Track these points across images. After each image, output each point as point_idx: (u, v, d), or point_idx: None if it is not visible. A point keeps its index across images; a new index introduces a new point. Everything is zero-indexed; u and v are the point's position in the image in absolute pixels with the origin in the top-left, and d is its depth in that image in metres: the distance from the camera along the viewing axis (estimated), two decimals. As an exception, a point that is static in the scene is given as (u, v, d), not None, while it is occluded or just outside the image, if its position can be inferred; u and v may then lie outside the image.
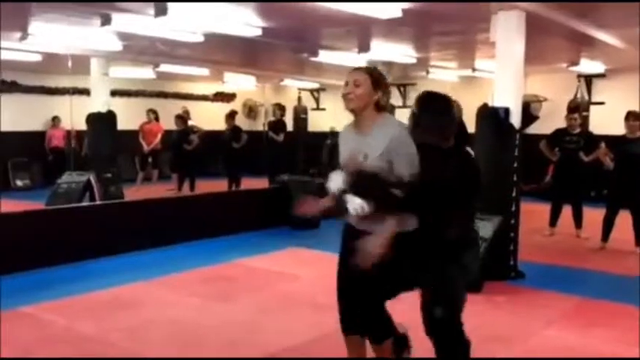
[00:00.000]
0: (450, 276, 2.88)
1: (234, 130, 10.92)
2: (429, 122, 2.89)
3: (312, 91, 15.62)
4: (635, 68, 10.31)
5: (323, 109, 15.74)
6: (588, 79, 11.33)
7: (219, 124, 11.54)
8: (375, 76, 2.79)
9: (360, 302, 2.90)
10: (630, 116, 6.87)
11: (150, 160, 11.33)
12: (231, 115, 11.18)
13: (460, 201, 2.88)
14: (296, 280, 5.56)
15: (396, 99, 13.90)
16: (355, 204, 2.67)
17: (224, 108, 13.44)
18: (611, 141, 7.19)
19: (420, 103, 3.00)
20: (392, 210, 2.63)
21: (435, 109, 2.95)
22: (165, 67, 11.02)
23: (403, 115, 13.67)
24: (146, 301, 4.86)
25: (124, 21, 6.38)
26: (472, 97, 8.07)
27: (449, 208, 2.81)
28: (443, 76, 12.03)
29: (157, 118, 11.46)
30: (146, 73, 11.97)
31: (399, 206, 2.64)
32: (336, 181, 2.82)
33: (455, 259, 2.89)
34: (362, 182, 2.67)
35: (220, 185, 10.52)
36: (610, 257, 6.65)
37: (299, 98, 15.21)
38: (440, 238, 2.84)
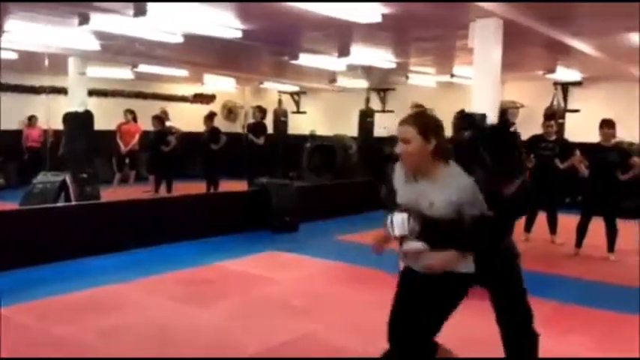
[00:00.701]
0: (510, 271, 3.22)
1: (212, 132, 10.87)
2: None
3: (292, 94, 15.64)
4: (611, 77, 10.51)
5: (303, 113, 15.77)
6: (565, 87, 11.51)
7: (199, 126, 11.48)
8: (421, 125, 2.57)
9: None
10: (605, 124, 6.99)
11: (127, 161, 11.20)
12: (209, 117, 11.13)
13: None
14: (273, 284, 5.55)
15: (375, 104, 13.98)
16: (411, 246, 2.68)
17: (203, 110, 13.38)
18: (586, 148, 7.31)
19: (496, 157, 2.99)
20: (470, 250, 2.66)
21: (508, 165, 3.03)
22: (143, 68, 10.94)
23: (383, 120, 13.77)
24: (123, 303, 4.81)
25: (103, 20, 6.32)
26: (450, 103, 8.14)
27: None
28: (422, 81, 12.12)
29: (134, 119, 11.35)
30: (124, 73, 11.85)
31: (480, 244, 2.67)
32: (398, 224, 2.67)
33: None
34: (439, 231, 2.62)
35: (198, 187, 10.45)
36: (584, 263, 6.76)
37: (279, 101, 15.20)
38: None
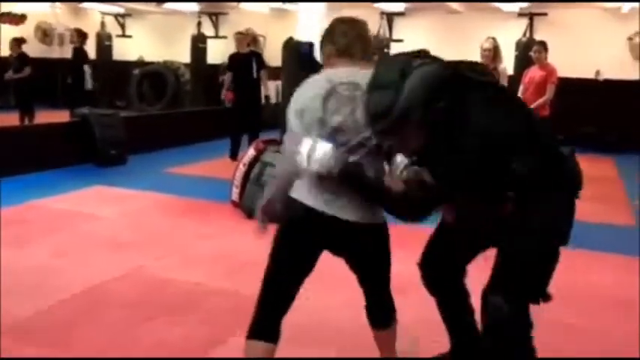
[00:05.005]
0: None
1: (19, 59, 9.80)
2: None
3: (116, 16, 14.51)
4: (431, 7, 11.14)
5: (129, 37, 14.76)
6: (390, 17, 12.00)
7: (7, 50, 10.29)
8: None
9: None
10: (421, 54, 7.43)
11: None
12: (17, 42, 9.98)
13: None
14: (99, 220, 5.28)
15: (207, 29, 13.50)
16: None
17: (12, 31, 11.96)
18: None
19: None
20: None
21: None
22: None
23: (216, 47, 13.39)
24: None
25: None
26: (283, 31, 8.11)
27: None
28: (254, 7, 11.90)
29: None
30: None
31: None
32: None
33: None
34: None
35: (10, 119, 9.45)
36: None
37: (102, 23, 14.06)
38: None
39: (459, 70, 2.09)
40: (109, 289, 3.76)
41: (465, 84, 2.05)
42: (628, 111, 10.22)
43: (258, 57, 8.45)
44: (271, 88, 9.95)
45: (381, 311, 2.49)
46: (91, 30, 13.69)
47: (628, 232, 5.46)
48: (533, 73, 7.08)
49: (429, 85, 1.94)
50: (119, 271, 4.03)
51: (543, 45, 7.12)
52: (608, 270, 4.40)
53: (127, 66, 13.64)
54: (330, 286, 3.55)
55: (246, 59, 8.25)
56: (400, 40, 11.86)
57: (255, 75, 8.18)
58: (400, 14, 11.84)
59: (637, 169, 8.28)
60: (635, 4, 10.21)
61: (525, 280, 2.15)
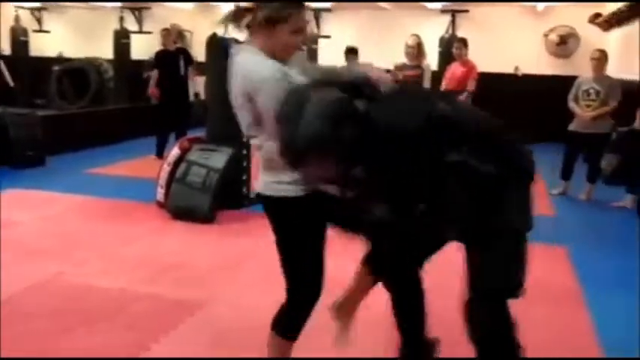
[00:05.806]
0: None
1: None
2: None
3: (32, 10, 13.84)
4: (358, 4, 11.26)
5: (47, 32, 14.12)
6: (317, 13, 12.02)
7: None
8: None
9: None
10: (351, 52, 7.51)
11: None
12: None
13: None
14: (16, 226, 5.00)
15: (131, 24, 13.09)
16: None
17: None
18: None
19: None
20: None
21: None
22: None
23: (140, 42, 12.96)
24: None
25: None
26: (210, 26, 7.96)
27: None
28: (178, 2, 11.65)
29: None
30: None
31: None
32: None
33: None
34: None
35: None
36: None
37: (16, 17, 13.37)
38: None
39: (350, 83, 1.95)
40: (25, 298, 3.57)
41: (361, 96, 1.91)
42: (544, 104, 10.68)
43: (185, 53, 8.30)
44: (200, 84, 9.78)
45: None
46: (5, 24, 13.03)
47: (548, 220, 5.71)
48: (455, 68, 7.28)
49: (325, 115, 1.83)
50: (36, 279, 3.84)
51: (463, 42, 7.33)
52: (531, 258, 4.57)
53: (45, 62, 13.02)
54: (263, 287, 3.53)
55: (174, 56, 8.07)
56: (328, 37, 11.91)
57: (182, 72, 8.03)
58: (327, 10, 11.89)
59: (552, 160, 8.66)
60: (549, 3, 10.70)
61: (511, 277, 2.16)
